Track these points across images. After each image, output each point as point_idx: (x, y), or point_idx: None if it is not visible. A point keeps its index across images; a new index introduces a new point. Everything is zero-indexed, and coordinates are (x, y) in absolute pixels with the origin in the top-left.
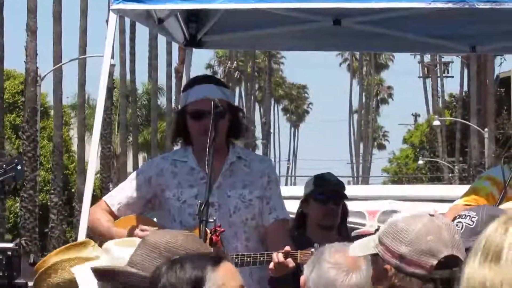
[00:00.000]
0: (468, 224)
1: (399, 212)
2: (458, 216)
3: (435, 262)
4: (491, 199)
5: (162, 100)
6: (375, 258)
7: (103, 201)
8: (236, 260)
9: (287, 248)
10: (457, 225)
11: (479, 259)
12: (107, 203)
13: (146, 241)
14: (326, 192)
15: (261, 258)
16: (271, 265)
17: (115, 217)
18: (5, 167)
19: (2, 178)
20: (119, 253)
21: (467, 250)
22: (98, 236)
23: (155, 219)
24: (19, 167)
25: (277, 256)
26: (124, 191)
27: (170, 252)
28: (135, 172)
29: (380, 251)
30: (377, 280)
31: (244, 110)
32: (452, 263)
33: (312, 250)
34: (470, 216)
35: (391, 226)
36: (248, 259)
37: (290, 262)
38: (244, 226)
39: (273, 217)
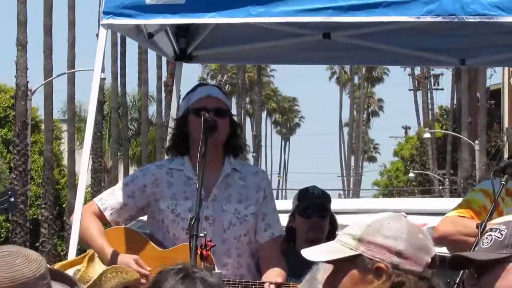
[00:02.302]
0: (497, 237)
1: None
2: (489, 230)
3: (429, 259)
4: (484, 211)
5: (152, 111)
6: (350, 261)
7: (94, 205)
8: (227, 287)
9: (279, 279)
10: (487, 238)
11: None
12: (99, 208)
13: None
14: (310, 206)
15: (253, 287)
16: None
17: (105, 221)
18: None
19: None
20: None
21: (493, 261)
22: (87, 247)
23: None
24: (12, 199)
25: (269, 287)
26: (117, 197)
27: None
28: (127, 178)
29: (365, 251)
30: (354, 284)
31: None
32: (434, 263)
33: None
34: (500, 229)
35: (374, 225)
36: (240, 287)
37: None
38: (237, 243)
39: (269, 235)
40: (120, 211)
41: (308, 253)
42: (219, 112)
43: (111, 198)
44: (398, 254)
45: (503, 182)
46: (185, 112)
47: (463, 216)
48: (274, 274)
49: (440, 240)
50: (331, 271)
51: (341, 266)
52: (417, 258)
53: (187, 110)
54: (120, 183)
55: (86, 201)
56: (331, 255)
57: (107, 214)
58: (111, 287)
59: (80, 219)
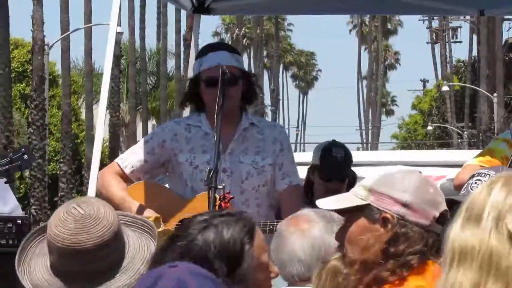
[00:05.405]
0: None
1: None
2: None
3: (437, 214)
4: (505, 162)
5: (171, 65)
6: (359, 210)
7: (115, 163)
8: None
9: None
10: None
11: (462, 221)
12: (120, 166)
13: None
14: (330, 171)
15: (271, 226)
16: None
17: (127, 179)
18: (12, 155)
19: (8, 167)
20: None
21: None
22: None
23: (167, 185)
24: (25, 157)
25: None
26: (137, 155)
27: None
28: (148, 135)
29: (374, 201)
30: (361, 232)
31: None
32: (445, 219)
33: None
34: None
35: (386, 177)
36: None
37: None
38: (256, 193)
39: (286, 183)
40: (141, 168)
41: (322, 202)
42: (230, 81)
43: (132, 156)
44: (405, 205)
45: None
46: (197, 77)
47: (484, 166)
48: None
49: (459, 187)
50: (344, 221)
51: (351, 215)
52: (424, 211)
53: (198, 75)
54: (140, 142)
55: (103, 156)
56: (342, 203)
57: (127, 171)
58: None
59: (101, 178)
